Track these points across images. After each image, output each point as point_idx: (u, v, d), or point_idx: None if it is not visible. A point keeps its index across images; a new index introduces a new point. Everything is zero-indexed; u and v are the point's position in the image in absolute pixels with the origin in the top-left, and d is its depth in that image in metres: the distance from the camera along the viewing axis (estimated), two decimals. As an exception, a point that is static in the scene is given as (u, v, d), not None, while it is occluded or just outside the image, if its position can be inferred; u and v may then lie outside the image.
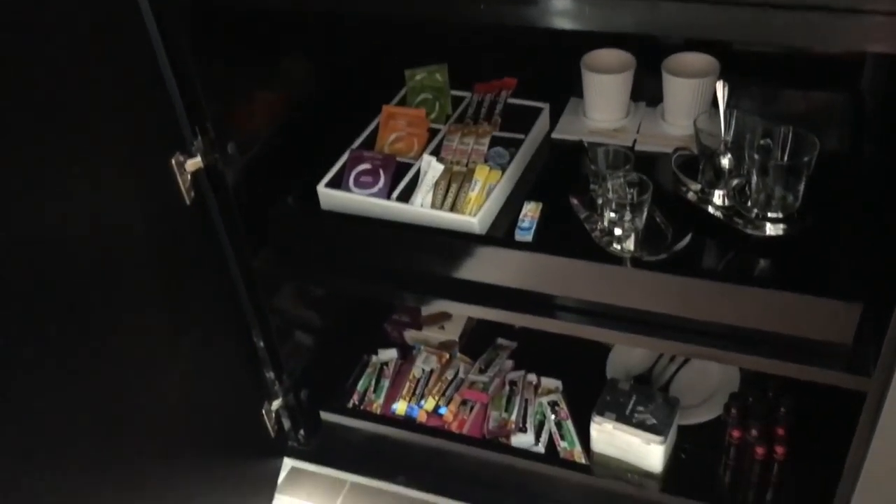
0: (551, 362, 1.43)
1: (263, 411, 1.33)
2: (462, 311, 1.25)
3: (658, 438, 1.19)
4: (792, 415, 1.23)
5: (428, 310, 1.53)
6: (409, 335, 1.51)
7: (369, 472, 1.37)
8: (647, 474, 1.23)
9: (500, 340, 1.50)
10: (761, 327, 0.98)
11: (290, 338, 1.35)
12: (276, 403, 1.35)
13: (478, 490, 1.31)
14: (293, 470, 1.52)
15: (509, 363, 1.45)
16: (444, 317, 1.52)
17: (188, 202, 1.07)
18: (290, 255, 1.20)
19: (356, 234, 1.13)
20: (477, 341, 1.50)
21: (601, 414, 1.22)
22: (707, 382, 1.37)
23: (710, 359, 1.06)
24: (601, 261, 1.02)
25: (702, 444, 1.29)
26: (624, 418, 1.21)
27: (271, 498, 1.38)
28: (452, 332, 1.49)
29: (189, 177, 1.06)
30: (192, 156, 1.05)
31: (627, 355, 1.43)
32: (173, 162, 1.04)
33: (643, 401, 1.23)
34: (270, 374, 1.32)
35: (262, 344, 1.29)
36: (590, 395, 1.27)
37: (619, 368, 1.39)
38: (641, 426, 1.20)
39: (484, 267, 1.07)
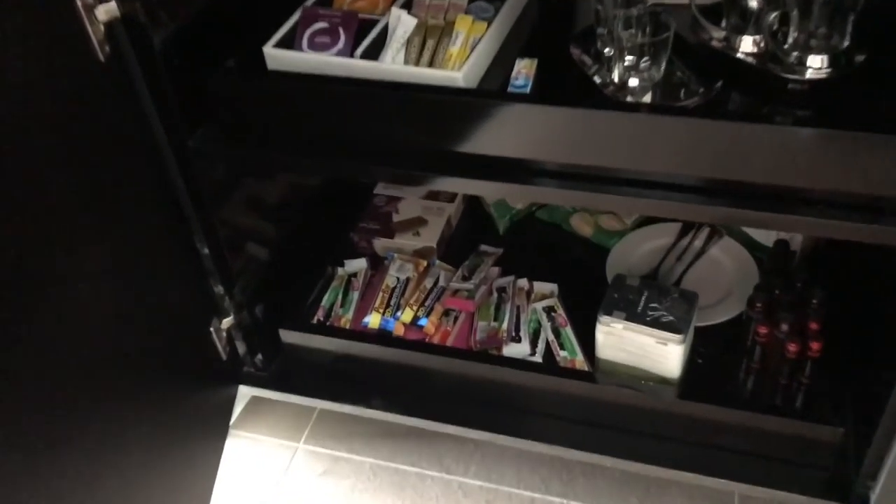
0: (542, 269, 1.26)
1: (212, 330, 1.13)
2: (449, 187, 1.05)
3: (677, 337, 1.02)
4: (824, 307, 1.08)
5: (406, 199, 1.34)
6: (380, 244, 1.32)
7: (339, 397, 1.19)
8: (663, 380, 1.06)
9: (484, 247, 1.32)
10: (814, 186, 0.81)
11: (241, 245, 1.15)
12: (226, 322, 1.15)
13: (467, 409, 1.14)
14: (254, 401, 1.33)
15: (495, 270, 1.27)
16: (419, 222, 1.33)
17: (102, 58, 0.86)
18: (234, 132, 0.99)
19: (314, 97, 0.93)
20: (457, 249, 1.32)
21: (609, 313, 1.05)
22: (721, 280, 1.21)
23: (762, 225, 0.87)
24: (619, 109, 0.84)
25: (721, 346, 1.13)
26: (636, 317, 1.04)
27: (224, 432, 1.19)
28: (429, 238, 1.31)
29: (102, 27, 0.85)
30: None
31: (629, 255, 1.26)
32: (79, 4, 0.83)
33: (656, 297, 1.06)
34: (219, 288, 1.13)
35: (206, 250, 1.08)
36: (590, 299, 1.10)
37: (620, 271, 1.22)
38: (657, 324, 1.03)
39: (474, 130, 0.88)
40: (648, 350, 1.05)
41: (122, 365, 0.97)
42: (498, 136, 0.87)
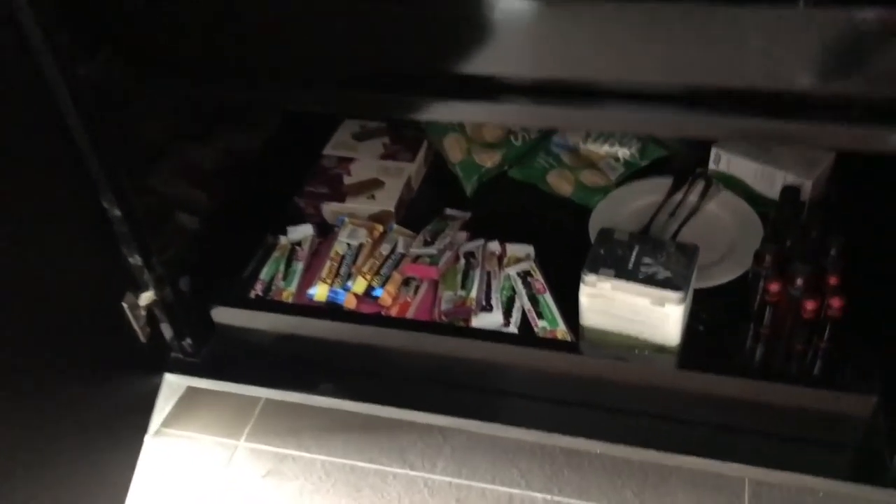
0: (516, 233, 1.09)
1: (126, 306, 0.96)
2: (406, 113, 0.86)
3: (675, 295, 0.86)
4: (843, 258, 0.92)
5: (359, 160, 1.17)
6: (329, 209, 1.15)
7: (284, 384, 1.01)
8: (660, 349, 0.91)
9: (449, 211, 1.15)
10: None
11: (162, 208, 0.98)
12: (144, 297, 0.97)
13: (432, 393, 0.97)
14: (189, 394, 1.16)
15: (462, 234, 1.10)
16: (374, 184, 1.16)
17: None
18: (140, 57, 0.82)
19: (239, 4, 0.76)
20: (418, 214, 1.16)
21: (594, 271, 0.89)
22: (721, 238, 1.06)
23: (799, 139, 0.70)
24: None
25: (725, 310, 0.98)
26: (626, 274, 0.88)
27: (143, 428, 1.01)
28: (385, 201, 1.14)
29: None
30: None
31: (614, 214, 1.10)
32: None
33: (649, 251, 0.90)
34: (135, 258, 0.95)
35: (116, 211, 0.91)
36: (571, 263, 0.93)
37: (604, 230, 1.06)
38: (651, 282, 0.87)
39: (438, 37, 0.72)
40: (642, 313, 0.89)
41: (18, 350, 0.80)
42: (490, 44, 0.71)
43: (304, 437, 1.10)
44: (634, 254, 0.90)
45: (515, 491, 1.02)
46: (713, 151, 1.12)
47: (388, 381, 0.99)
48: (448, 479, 1.04)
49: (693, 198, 1.12)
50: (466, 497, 1.02)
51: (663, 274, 0.88)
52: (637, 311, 0.89)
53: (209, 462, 1.09)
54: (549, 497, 1.01)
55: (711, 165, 1.13)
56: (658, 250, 0.90)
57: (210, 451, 1.10)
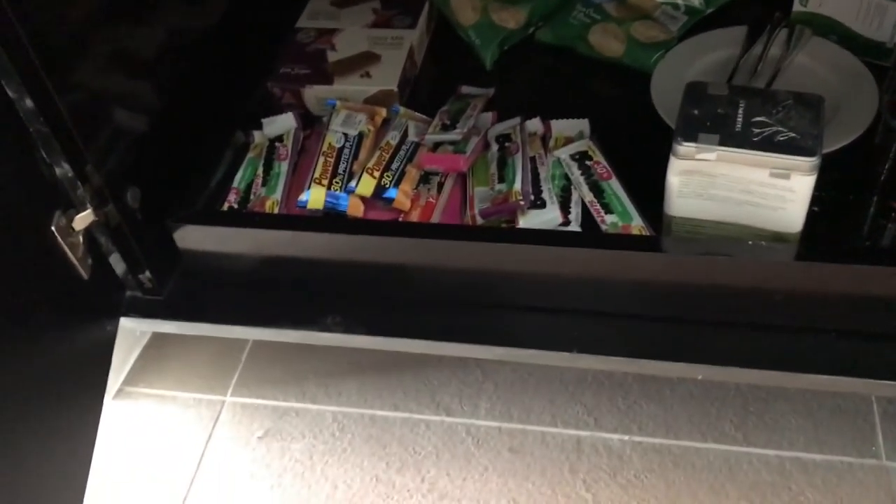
0: (555, 111, 0.85)
1: (54, 231, 0.71)
2: None
3: (807, 162, 0.63)
4: None
5: (346, 30, 0.92)
6: (313, 94, 0.89)
7: (277, 320, 0.77)
8: (775, 237, 0.68)
9: (466, 88, 0.91)
10: None
11: (95, 99, 0.73)
12: (80, 218, 0.72)
13: (468, 319, 0.74)
14: (155, 341, 0.92)
15: (488, 115, 0.86)
16: (368, 59, 0.91)
17: None
18: None
19: None
20: (427, 96, 0.91)
21: (691, 139, 0.65)
22: (827, 87, 0.82)
23: None
24: None
25: (845, 185, 0.76)
26: (736, 138, 0.65)
27: (101, 388, 0.77)
28: (384, 79, 0.89)
29: None
30: None
31: (680, 77, 0.85)
32: None
33: (760, 107, 0.67)
34: (63, 167, 0.70)
35: (28, 102, 0.66)
36: (635, 139, 0.70)
37: (669, 99, 0.82)
38: (772, 146, 0.64)
39: None
40: (757, 191, 0.66)
41: None
42: None
43: (307, 386, 0.88)
44: (741, 112, 0.67)
45: (584, 433, 0.80)
46: (799, -13, 0.88)
47: (411, 309, 0.76)
48: (496, 423, 0.82)
49: (776, 50, 0.88)
50: (522, 444, 0.80)
51: (785, 135, 0.65)
52: (749, 189, 0.66)
53: (189, 424, 0.86)
54: (626, 438, 0.80)
55: (797, 6, 0.89)
56: (772, 105, 0.67)
57: (190, 410, 0.88)
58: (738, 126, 0.66)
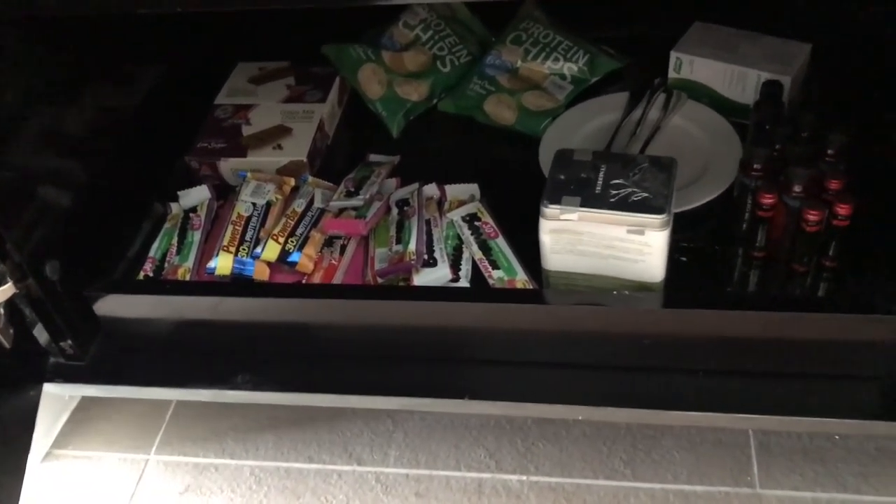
0: (455, 174, 0.92)
1: (-25, 305, 0.76)
2: None
3: (657, 219, 0.70)
4: (844, 157, 0.78)
5: (260, 106, 0.99)
6: (228, 166, 0.96)
7: (194, 381, 0.82)
8: (640, 286, 0.75)
9: (374, 156, 0.98)
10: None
11: (14, 180, 0.78)
12: (1, 292, 0.78)
13: (373, 370, 0.80)
14: (83, 405, 0.96)
15: (392, 181, 0.93)
16: (280, 132, 0.97)
17: None
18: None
19: None
20: (336, 164, 0.98)
21: (556, 201, 0.72)
22: (693, 154, 0.90)
23: None
24: None
25: (709, 235, 0.84)
26: (595, 200, 0.72)
27: (25, 449, 0.81)
28: (295, 150, 0.95)
29: None
30: None
31: (567, 140, 0.93)
32: None
33: (619, 170, 0.74)
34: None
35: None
36: (522, 200, 0.77)
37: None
38: (626, 206, 0.71)
39: None
40: (618, 245, 0.73)
41: None
42: None
43: (226, 442, 0.92)
44: (601, 175, 0.74)
45: (485, 475, 0.86)
46: (672, 57, 0.96)
47: (319, 364, 0.82)
48: (404, 470, 0.87)
49: (655, 112, 0.96)
50: (428, 489, 0.85)
51: (639, 195, 0.72)
52: (612, 245, 0.73)
53: (115, 483, 0.90)
54: (524, 478, 0.85)
55: (672, 73, 0.97)
56: (629, 168, 0.74)
57: (115, 470, 0.91)
58: (598, 188, 0.73)
